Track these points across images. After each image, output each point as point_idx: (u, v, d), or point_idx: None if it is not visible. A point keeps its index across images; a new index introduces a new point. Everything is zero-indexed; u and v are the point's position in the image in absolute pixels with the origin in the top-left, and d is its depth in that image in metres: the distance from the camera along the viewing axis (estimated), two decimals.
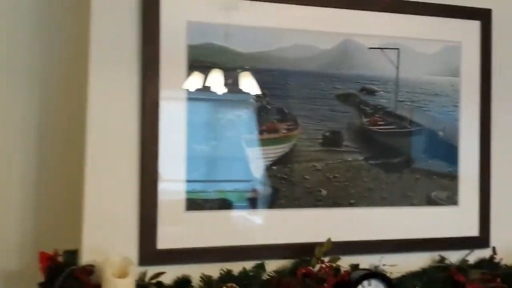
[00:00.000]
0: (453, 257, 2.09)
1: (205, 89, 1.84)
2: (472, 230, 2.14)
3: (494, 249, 2.15)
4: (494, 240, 2.17)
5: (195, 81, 1.84)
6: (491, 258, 2.13)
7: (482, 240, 2.15)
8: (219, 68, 1.86)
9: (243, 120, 1.90)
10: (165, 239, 1.79)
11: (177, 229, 1.82)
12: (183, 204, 1.83)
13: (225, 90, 1.84)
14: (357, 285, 1.83)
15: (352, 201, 2.01)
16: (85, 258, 1.72)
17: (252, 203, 1.91)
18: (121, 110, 1.79)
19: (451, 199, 2.12)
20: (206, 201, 1.86)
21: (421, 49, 2.08)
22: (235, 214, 1.90)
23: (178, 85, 1.83)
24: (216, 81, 1.83)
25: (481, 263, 2.10)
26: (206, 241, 1.85)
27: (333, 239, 1.90)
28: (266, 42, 1.92)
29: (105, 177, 1.77)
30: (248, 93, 1.87)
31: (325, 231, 1.94)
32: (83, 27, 1.80)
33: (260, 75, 1.90)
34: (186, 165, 1.83)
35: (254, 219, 1.91)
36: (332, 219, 1.98)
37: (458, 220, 2.13)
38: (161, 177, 1.79)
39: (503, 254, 2.14)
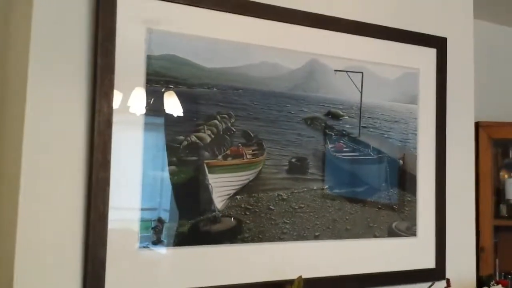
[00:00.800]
0: None
1: (161, 108, 1.61)
2: (429, 262, 2.09)
3: (448, 281, 2.11)
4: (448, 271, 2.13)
5: (151, 98, 1.60)
6: None
7: (438, 271, 2.09)
8: (179, 84, 1.64)
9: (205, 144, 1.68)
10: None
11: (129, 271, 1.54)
12: (136, 239, 1.56)
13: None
14: None
15: (317, 233, 1.85)
16: None
17: (214, 238, 1.68)
18: (65, 128, 1.49)
19: (410, 230, 2.05)
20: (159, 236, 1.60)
21: (383, 74, 2.01)
22: (193, 251, 1.65)
23: (135, 101, 1.57)
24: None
25: None
26: (161, 285, 1.58)
27: (299, 275, 1.73)
28: (233, 58, 1.73)
29: (43, 208, 1.45)
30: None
31: (291, 267, 1.77)
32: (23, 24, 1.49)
33: (224, 93, 1.71)
34: (140, 193, 1.57)
35: (215, 255, 1.68)
36: (297, 253, 1.81)
37: (417, 251, 2.06)
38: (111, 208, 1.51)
39: (455, 285, 2.10)
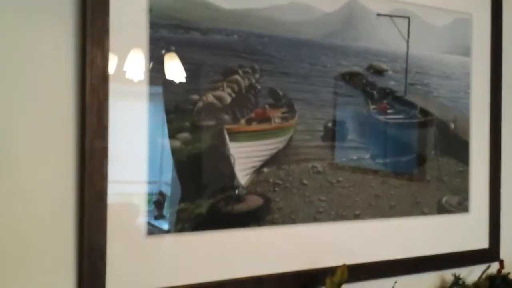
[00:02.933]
0: (463, 273, 1.72)
1: (169, 61, 1.28)
2: (482, 241, 1.79)
3: (502, 262, 1.82)
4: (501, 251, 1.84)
5: (156, 47, 1.26)
6: (499, 272, 1.80)
7: (492, 252, 1.80)
8: (191, 29, 1.30)
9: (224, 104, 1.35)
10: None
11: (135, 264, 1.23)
12: (144, 224, 1.24)
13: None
14: None
15: (357, 212, 1.55)
16: None
17: (238, 220, 1.37)
18: (49, 83, 1.16)
19: (462, 205, 1.75)
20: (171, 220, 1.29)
21: (432, 20, 1.67)
22: (213, 236, 1.34)
23: (136, 51, 1.24)
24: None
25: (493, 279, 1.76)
26: (176, 279, 1.28)
27: (338, 262, 1.43)
28: None
29: (20, 188, 1.13)
30: None
31: (329, 253, 1.47)
32: None
33: (246, 42, 1.37)
34: (147, 167, 1.25)
35: (238, 241, 1.37)
36: (336, 236, 1.50)
37: (469, 229, 1.76)
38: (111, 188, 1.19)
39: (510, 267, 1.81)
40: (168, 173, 1.30)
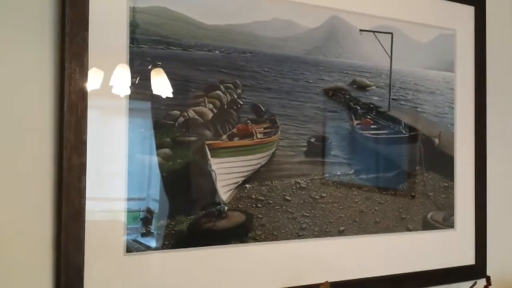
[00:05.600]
0: None
1: (149, 76, 1.27)
2: (468, 257, 1.78)
3: (488, 279, 1.80)
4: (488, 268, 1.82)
5: (136, 62, 1.25)
6: None
7: (478, 268, 1.79)
8: (172, 44, 1.30)
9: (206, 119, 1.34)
10: None
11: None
12: (122, 241, 1.23)
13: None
14: None
15: (341, 228, 1.53)
16: None
17: (219, 237, 1.35)
18: (27, 99, 1.15)
19: (448, 221, 1.74)
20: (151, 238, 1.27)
21: (415, 36, 1.68)
22: (194, 254, 1.32)
23: (116, 66, 1.23)
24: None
25: None
26: None
27: (322, 279, 1.41)
28: (239, 12, 1.38)
29: (1, 203, 1.12)
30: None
31: (313, 270, 1.45)
32: None
33: (228, 57, 1.37)
34: (126, 183, 1.23)
35: (220, 258, 1.35)
36: (319, 253, 1.49)
37: (455, 246, 1.75)
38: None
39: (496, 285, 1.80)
40: (153, 190, 1.29)
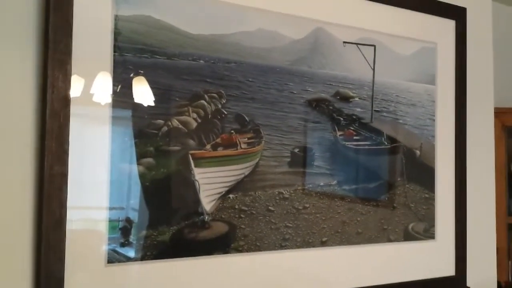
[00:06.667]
0: None
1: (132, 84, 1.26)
2: (449, 268, 1.79)
3: None
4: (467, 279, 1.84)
5: (120, 71, 1.24)
6: None
7: (459, 280, 1.80)
8: (156, 54, 1.29)
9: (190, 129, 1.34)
10: None
11: None
12: (103, 252, 1.21)
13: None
14: None
15: (324, 239, 1.53)
16: None
17: (202, 248, 1.34)
18: (7, 106, 1.13)
19: (428, 232, 1.75)
20: (133, 248, 1.25)
21: (398, 48, 1.70)
22: (176, 265, 1.31)
23: (99, 74, 1.22)
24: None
25: None
26: None
27: None
28: (224, 22, 1.38)
29: None
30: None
31: (296, 281, 1.45)
32: None
33: (213, 67, 1.37)
34: (108, 193, 1.22)
35: (203, 269, 1.34)
36: (302, 264, 1.49)
37: (436, 257, 1.76)
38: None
39: None
40: (134, 199, 1.27)
